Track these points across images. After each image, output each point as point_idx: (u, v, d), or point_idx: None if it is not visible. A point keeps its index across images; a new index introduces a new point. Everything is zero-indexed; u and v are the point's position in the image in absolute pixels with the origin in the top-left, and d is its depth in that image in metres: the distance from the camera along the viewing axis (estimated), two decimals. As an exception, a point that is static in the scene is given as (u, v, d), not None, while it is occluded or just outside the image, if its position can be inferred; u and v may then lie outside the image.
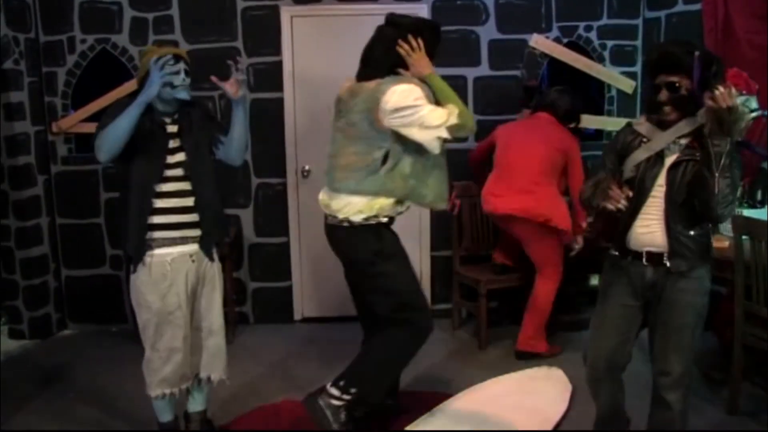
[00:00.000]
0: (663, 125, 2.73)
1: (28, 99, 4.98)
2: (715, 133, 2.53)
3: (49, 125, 5.17)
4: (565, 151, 4.39)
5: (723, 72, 2.62)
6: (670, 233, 2.72)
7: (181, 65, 3.12)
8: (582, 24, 5.25)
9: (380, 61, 3.18)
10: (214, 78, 3.18)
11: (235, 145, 3.23)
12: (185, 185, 3.12)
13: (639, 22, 5.27)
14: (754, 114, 2.53)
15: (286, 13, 5.14)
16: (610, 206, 2.64)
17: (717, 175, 2.54)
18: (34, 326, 5.12)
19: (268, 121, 5.16)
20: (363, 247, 3.19)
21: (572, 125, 4.57)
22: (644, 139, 2.78)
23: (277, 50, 5.16)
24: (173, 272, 3.08)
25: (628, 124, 2.90)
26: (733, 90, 2.47)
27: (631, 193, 2.67)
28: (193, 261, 3.15)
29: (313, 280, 5.43)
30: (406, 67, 3.15)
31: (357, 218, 3.15)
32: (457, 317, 5.20)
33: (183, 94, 3.12)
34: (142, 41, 5.10)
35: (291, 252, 5.39)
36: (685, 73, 2.62)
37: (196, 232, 3.15)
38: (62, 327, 5.37)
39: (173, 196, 3.10)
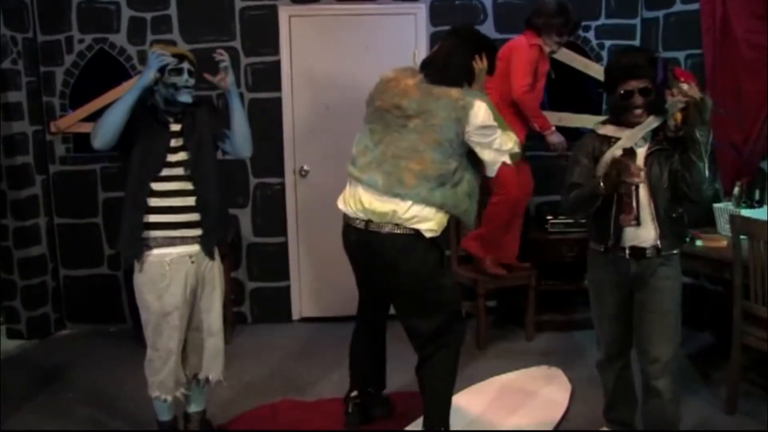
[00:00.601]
0: (630, 125, 2.90)
1: (26, 99, 4.98)
2: (697, 123, 2.76)
3: (47, 125, 5.17)
4: None
5: (672, 73, 2.92)
6: (659, 218, 2.90)
7: (185, 65, 3.10)
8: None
9: (461, 70, 3.12)
10: (206, 75, 3.18)
11: (238, 135, 3.21)
12: (186, 185, 3.09)
13: (637, 21, 5.28)
14: None
15: (284, 13, 5.14)
16: (635, 180, 2.79)
17: (706, 160, 2.77)
18: (33, 326, 5.11)
19: (266, 121, 5.15)
20: (429, 260, 3.06)
21: None
22: (612, 140, 2.93)
23: (275, 50, 5.16)
24: (172, 273, 3.06)
25: (591, 132, 3.06)
26: (693, 84, 2.77)
27: (645, 168, 2.86)
28: (192, 262, 3.12)
29: (312, 280, 5.43)
30: (472, 81, 3.15)
31: (427, 234, 3.01)
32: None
33: (185, 97, 3.10)
34: (140, 41, 5.10)
35: (289, 252, 5.39)
36: (651, 77, 2.85)
37: (197, 232, 3.12)
38: (60, 327, 5.36)
39: (173, 195, 3.07)
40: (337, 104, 5.10)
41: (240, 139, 3.22)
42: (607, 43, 5.27)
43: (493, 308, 5.23)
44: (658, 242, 2.90)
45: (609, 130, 2.97)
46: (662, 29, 5.05)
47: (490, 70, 3.23)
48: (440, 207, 3.00)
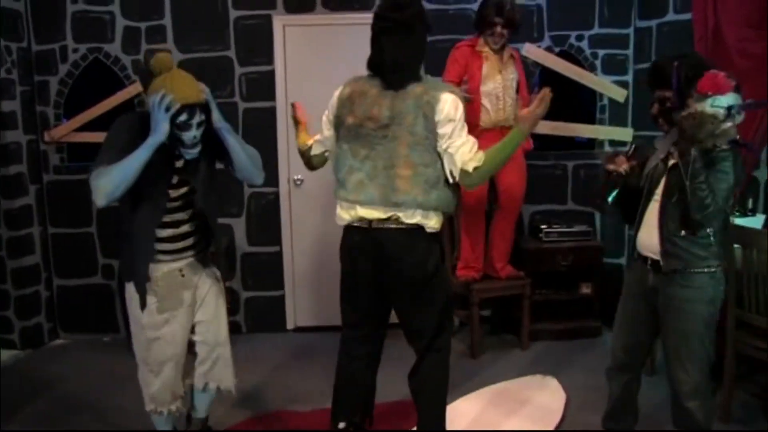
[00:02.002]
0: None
1: (20, 108, 4.98)
2: (681, 142, 2.73)
3: (41, 134, 5.17)
4: None
5: (699, 76, 2.71)
6: (663, 233, 2.87)
7: (196, 118, 2.83)
8: (574, 33, 5.28)
9: (411, 65, 3.01)
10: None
11: (242, 170, 3.07)
12: (183, 215, 3.00)
13: (630, 31, 5.30)
14: (726, 111, 2.64)
15: (278, 23, 5.16)
16: (611, 167, 2.90)
17: (688, 182, 2.71)
18: (26, 336, 5.09)
19: (260, 131, 5.16)
20: (433, 253, 3.05)
21: None
22: (654, 149, 2.97)
23: (269, 59, 5.17)
24: (162, 288, 2.99)
25: (650, 140, 3.10)
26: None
27: (634, 163, 2.95)
28: (183, 275, 3.05)
29: (306, 290, 5.43)
30: (422, 57, 3.06)
31: (429, 228, 3.00)
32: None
33: (191, 154, 2.91)
34: (135, 50, 5.11)
35: (283, 261, 5.38)
36: (664, 85, 2.81)
37: (189, 254, 3.06)
38: (54, 337, 5.35)
39: (171, 226, 2.99)
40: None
41: (245, 173, 3.09)
42: (601, 52, 5.29)
43: (487, 317, 5.23)
44: (660, 259, 2.88)
45: (658, 139, 3.01)
46: (655, 38, 5.07)
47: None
48: (436, 209, 2.98)
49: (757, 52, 4.20)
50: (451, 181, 2.99)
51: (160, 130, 2.71)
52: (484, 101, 4.57)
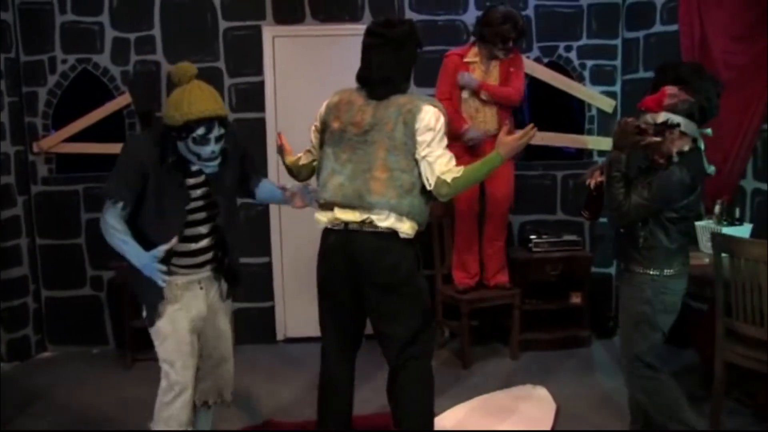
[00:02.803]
0: None
1: (8, 119, 4.95)
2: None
3: (29, 145, 5.14)
4: None
5: (656, 90, 3.06)
6: (615, 231, 3.25)
7: (214, 132, 2.73)
8: (562, 44, 5.32)
9: (397, 78, 3.08)
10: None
11: (264, 201, 3.39)
12: (203, 229, 2.93)
13: (618, 42, 5.34)
14: (656, 126, 2.98)
15: (268, 34, 5.16)
16: (587, 179, 3.28)
17: (605, 183, 3.11)
18: (13, 348, 5.04)
19: (249, 141, 5.11)
20: (407, 257, 3.03)
21: None
22: None
23: (258, 70, 5.18)
24: (183, 296, 2.92)
25: None
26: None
27: (599, 179, 3.22)
28: (201, 288, 2.99)
29: (296, 300, 5.41)
30: (409, 75, 3.15)
31: (404, 235, 3.01)
32: (439, 336, 5.19)
33: (211, 168, 2.82)
34: (124, 61, 5.10)
35: (273, 272, 5.37)
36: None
37: (207, 267, 3.00)
38: (41, 349, 5.30)
39: (189, 241, 2.90)
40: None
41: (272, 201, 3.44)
42: (589, 63, 5.33)
43: (477, 327, 5.22)
44: (614, 256, 3.29)
45: None
46: (643, 49, 5.12)
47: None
48: (408, 215, 2.99)
49: (740, 64, 4.25)
50: (428, 187, 3.02)
51: (145, 268, 2.72)
52: (464, 114, 4.66)
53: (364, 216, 2.98)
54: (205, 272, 2.99)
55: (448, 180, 2.95)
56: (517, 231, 5.45)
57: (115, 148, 5.07)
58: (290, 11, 5.16)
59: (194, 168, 2.84)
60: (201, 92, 2.72)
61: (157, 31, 5.12)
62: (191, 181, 2.86)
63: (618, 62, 5.35)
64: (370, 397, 3.98)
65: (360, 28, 5.12)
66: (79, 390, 4.52)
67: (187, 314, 2.93)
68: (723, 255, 3.55)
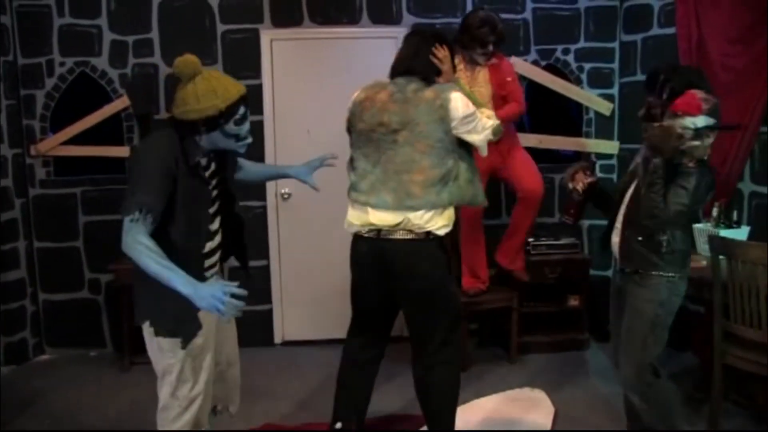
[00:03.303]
0: None
1: (6, 122, 4.95)
2: (647, 151, 2.97)
3: (27, 148, 5.14)
4: None
5: (679, 94, 2.92)
6: (623, 237, 3.08)
7: (246, 110, 2.66)
8: (560, 47, 5.32)
9: (428, 66, 3.20)
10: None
11: (255, 178, 3.25)
12: (216, 225, 2.77)
13: (616, 45, 5.35)
14: (694, 131, 2.84)
15: (266, 37, 5.17)
16: (570, 185, 3.15)
17: (644, 188, 2.94)
18: (10, 351, 5.03)
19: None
20: (440, 262, 3.09)
21: None
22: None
23: (257, 73, 5.18)
24: (200, 312, 2.59)
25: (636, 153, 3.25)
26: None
27: (593, 179, 3.18)
28: None
29: (294, 304, 5.41)
30: (439, 74, 3.24)
31: (441, 231, 3.05)
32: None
33: (243, 148, 2.72)
34: (122, 64, 5.10)
35: (271, 275, 5.36)
36: (656, 93, 2.96)
37: (217, 268, 2.87)
38: (39, 352, 5.29)
39: (207, 239, 2.74)
40: (318, 128, 5.11)
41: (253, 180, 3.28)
42: (587, 66, 5.33)
43: (475, 330, 5.22)
44: (619, 260, 3.09)
45: None
46: (640, 52, 5.12)
47: (452, 56, 3.32)
48: (450, 204, 3.06)
49: (738, 67, 4.26)
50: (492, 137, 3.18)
51: (208, 300, 2.30)
52: None
53: (401, 218, 3.02)
54: (214, 272, 2.82)
55: (491, 136, 3.16)
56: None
57: (113, 151, 5.17)
58: (288, 14, 5.17)
59: (204, 162, 2.67)
60: (222, 76, 2.66)
61: (155, 34, 5.12)
62: (207, 175, 2.72)
63: (615, 65, 5.36)
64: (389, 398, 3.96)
65: (358, 31, 5.22)
66: (76, 393, 4.51)
67: (203, 331, 2.68)
68: (721, 257, 3.55)
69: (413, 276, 3.05)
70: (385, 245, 3.06)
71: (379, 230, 3.07)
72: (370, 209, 3.08)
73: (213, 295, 2.28)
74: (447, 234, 3.11)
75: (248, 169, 3.20)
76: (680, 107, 2.89)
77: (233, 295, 2.30)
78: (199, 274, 2.57)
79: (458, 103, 3.05)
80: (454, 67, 3.32)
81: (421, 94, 3.07)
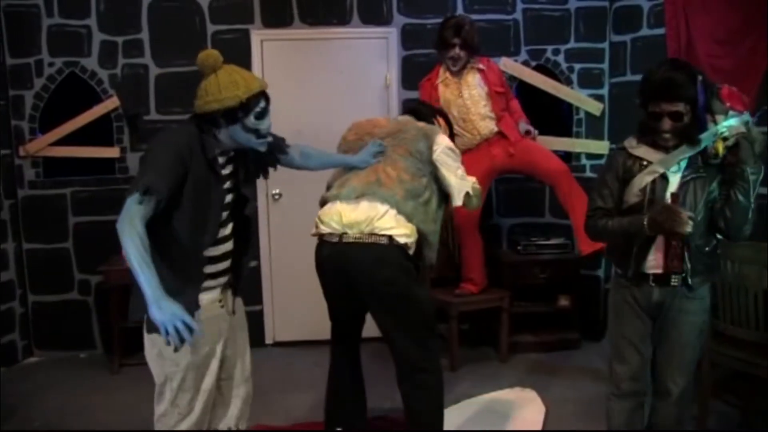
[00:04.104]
0: (662, 147, 2.74)
1: (-6, 123, 4.93)
2: (748, 159, 2.60)
3: (16, 149, 5.11)
4: None
5: (717, 93, 2.69)
6: (690, 251, 2.72)
7: (268, 105, 2.60)
8: (550, 47, 5.34)
9: (430, 120, 3.44)
10: None
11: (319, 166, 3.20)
12: (227, 230, 2.64)
13: (605, 45, 5.37)
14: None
15: (256, 37, 5.16)
16: (686, 230, 2.58)
17: (752, 201, 2.64)
18: (-1, 354, 5.02)
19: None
20: (404, 268, 3.02)
21: None
22: (644, 162, 2.76)
23: (247, 74, 5.16)
24: (205, 320, 2.52)
25: (622, 149, 2.86)
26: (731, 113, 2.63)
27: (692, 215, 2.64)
28: (222, 306, 2.68)
29: (285, 304, 5.40)
30: None
31: (402, 239, 3.00)
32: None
33: (264, 146, 2.63)
34: (112, 65, 5.09)
35: (262, 276, 5.35)
36: (687, 100, 2.61)
37: (228, 275, 2.71)
38: (28, 354, 5.26)
39: (218, 243, 2.60)
40: (309, 128, 5.10)
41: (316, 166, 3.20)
42: (577, 66, 5.35)
43: (466, 330, 5.23)
44: (689, 278, 2.74)
45: (641, 151, 2.79)
46: (630, 53, 5.14)
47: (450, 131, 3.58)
48: (410, 218, 3.03)
49: (726, 67, 4.28)
50: (455, 203, 3.18)
51: (163, 313, 2.17)
52: (455, 128, 4.61)
53: (363, 215, 3.00)
54: (222, 281, 2.67)
55: (470, 192, 3.17)
56: (506, 234, 5.46)
57: (103, 152, 5.16)
58: (278, 15, 5.16)
59: (222, 160, 2.58)
60: (244, 71, 2.61)
61: (145, 35, 5.10)
62: (224, 171, 2.60)
63: (605, 65, 5.37)
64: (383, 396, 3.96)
65: (348, 32, 5.22)
66: (66, 395, 4.49)
67: (209, 338, 2.58)
68: (710, 257, 3.57)
69: (375, 283, 3.01)
70: (346, 249, 3.02)
71: (341, 234, 3.03)
72: (338, 203, 3.10)
73: (173, 314, 2.17)
74: (414, 245, 3.07)
75: (312, 156, 3.13)
76: (732, 100, 2.67)
77: (187, 327, 2.18)
78: (195, 277, 2.51)
79: (446, 140, 3.23)
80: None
81: (414, 122, 3.30)
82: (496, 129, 4.67)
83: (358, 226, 3.00)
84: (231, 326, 2.75)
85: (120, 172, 5.18)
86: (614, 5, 5.28)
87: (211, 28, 5.13)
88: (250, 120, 2.51)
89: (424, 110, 3.52)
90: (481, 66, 4.69)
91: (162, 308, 2.18)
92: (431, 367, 3.13)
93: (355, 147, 3.25)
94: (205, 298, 2.58)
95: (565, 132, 5.42)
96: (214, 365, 2.65)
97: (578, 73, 5.36)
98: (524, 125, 4.75)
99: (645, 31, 5.00)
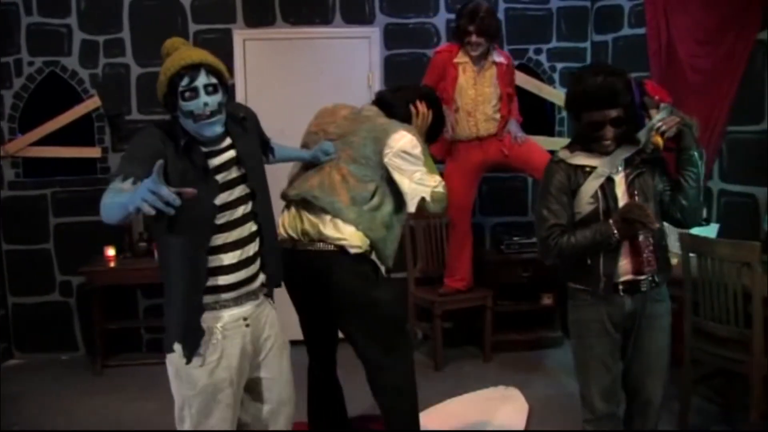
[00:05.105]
0: (600, 152, 2.65)
1: (-27, 123, 4.88)
2: (692, 145, 2.62)
3: (-5, 149, 5.07)
4: None
5: (644, 90, 2.74)
6: (656, 248, 2.68)
7: (201, 79, 2.27)
8: (532, 47, 5.36)
9: (399, 107, 3.14)
10: None
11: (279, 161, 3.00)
12: (243, 230, 2.40)
13: (587, 45, 5.40)
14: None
15: (238, 37, 5.14)
16: (656, 226, 2.54)
17: (702, 183, 2.64)
18: (-21, 356, 4.97)
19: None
20: (359, 273, 2.96)
21: None
22: (587, 169, 2.66)
23: (229, 73, 5.11)
24: (225, 341, 2.35)
25: (559, 161, 2.72)
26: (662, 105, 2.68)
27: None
28: (247, 325, 2.43)
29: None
30: (409, 122, 3.13)
31: (353, 250, 2.91)
32: (412, 338, 5.19)
33: (209, 130, 2.29)
34: (93, 64, 5.05)
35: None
36: (623, 104, 2.55)
37: (255, 285, 2.47)
38: (8, 356, 5.21)
39: (230, 248, 2.36)
40: (291, 128, 5.06)
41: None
42: (559, 65, 5.38)
43: (449, 329, 5.24)
44: (655, 276, 2.68)
45: (581, 158, 2.67)
46: (611, 52, 5.18)
47: (431, 137, 3.24)
48: (355, 224, 2.92)
49: (706, 67, 4.32)
50: (410, 210, 3.02)
51: (134, 200, 1.82)
52: (458, 108, 4.58)
53: (311, 222, 2.95)
54: (249, 305, 2.44)
55: (427, 198, 2.95)
56: (489, 233, 5.48)
57: (84, 152, 5.12)
58: (261, 14, 5.15)
59: (217, 146, 2.37)
60: (183, 49, 2.38)
61: (126, 34, 5.07)
62: (216, 161, 2.36)
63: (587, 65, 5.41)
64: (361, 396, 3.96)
65: (331, 31, 5.21)
66: (47, 397, 4.45)
67: (228, 361, 2.37)
68: (691, 255, 3.60)
69: (328, 286, 2.93)
70: (299, 257, 2.96)
71: (295, 242, 2.98)
72: (292, 208, 3.04)
73: (139, 191, 1.81)
74: (370, 248, 2.97)
75: (279, 152, 3.01)
76: (658, 93, 2.76)
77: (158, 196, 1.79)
78: (198, 282, 2.30)
79: (404, 139, 2.93)
80: (429, 137, 3.22)
81: (374, 118, 3.06)
82: (494, 131, 4.63)
83: (307, 234, 2.96)
84: (267, 345, 2.54)
85: (101, 173, 5.14)
86: (596, 5, 5.31)
87: (193, 27, 5.10)
88: (180, 103, 2.27)
89: (396, 101, 3.15)
90: (502, 59, 4.60)
91: (132, 198, 1.83)
92: (398, 367, 3.07)
93: (314, 140, 3.11)
94: (226, 314, 2.37)
95: (548, 131, 5.45)
96: (237, 389, 2.42)
97: (560, 72, 5.39)
98: (513, 128, 4.68)
99: (626, 31, 5.04)
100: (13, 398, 4.44)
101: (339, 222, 2.91)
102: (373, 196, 2.95)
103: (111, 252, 4.90)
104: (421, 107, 3.16)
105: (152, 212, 1.79)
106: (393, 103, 3.15)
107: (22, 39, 4.99)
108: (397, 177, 2.95)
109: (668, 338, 2.78)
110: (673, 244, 4.18)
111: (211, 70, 2.31)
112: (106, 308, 4.98)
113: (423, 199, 2.95)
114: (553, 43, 5.38)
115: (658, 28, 4.61)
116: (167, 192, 1.79)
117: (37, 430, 3.98)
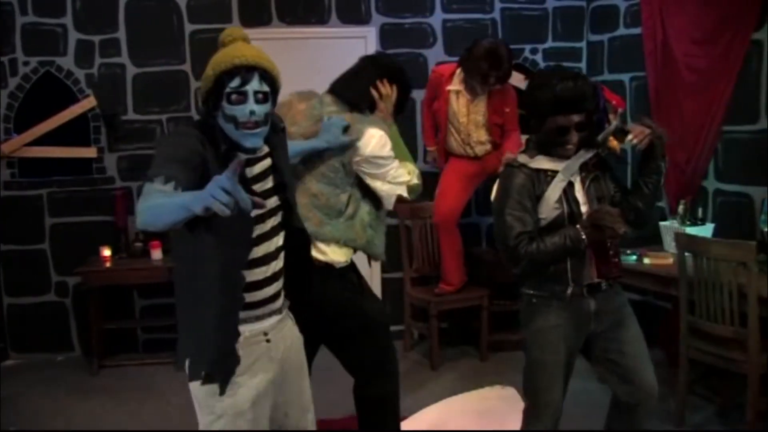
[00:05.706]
0: (560, 156, 2.64)
1: (-32, 123, 4.86)
2: (660, 156, 2.65)
3: (-10, 149, 5.05)
4: None
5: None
6: (617, 252, 2.72)
7: (253, 84, 2.06)
8: (528, 47, 5.37)
9: (358, 100, 2.96)
10: None
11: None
12: (271, 245, 2.20)
13: (583, 45, 5.41)
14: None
15: (234, 36, 5.13)
16: (623, 228, 2.48)
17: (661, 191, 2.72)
18: (-26, 357, 4.95)
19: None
20: (345, 286, 2.91)
21: None
22: (549, 173, 2.63)
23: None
24: (245, 358, 2.14)
25: (520, 166, 2.66)
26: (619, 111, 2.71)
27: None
28: (268, 341, 2.22)
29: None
30: (374, 108, 2.98)
31: (335, 264, 2.85)
32: (408, 338, 5.19)
33: (251, 141, 2.07)
34: (88, 64, 5.04)
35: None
36: (588, 108, 2.55)
37: (279, 302, 2.27)
38: (4, 357, 5.19)
39: (259, 264, 2.16)
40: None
41: None
42: (554, 65, 5.37)
43: (446, 329, 5.24)
44: (608, 281, 2.70)
45: (543, 162, 2.64)
46: (607, 52, 5.19)
47: (399, 108, 3.06)
48: (336, 241, 2.84)
49: (701, 67, 4.32)
50: (388, 207, 2.97)
51: (200, 200, 1.59)
52: (451, 129, 4.66)
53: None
54: (271, 319, 2.24)
55: (404, 194, 2.92)
56: (485, 232, 5.48)
57: (79, 152, 5.10)
58: (257, 14, 5.14)
59: (256, 154, 2.17)
60: (243, 45, 2.15)
61: (122, 34, 5.06)
62: (255, 170, 2.17)
63: (583, 65, 5.41)
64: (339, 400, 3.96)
65: (327, 31, 5.21)
66: (44, 398, 4.44)
67: (250, 380, 2.17)
68: (687, 254, 3.61)
69: (303, 307, 2.57)
70: None
71: None
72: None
73: (210, 189, 1.58)
74: (349, 257, 2.92)
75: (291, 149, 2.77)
76: (615, 99, 2.82)
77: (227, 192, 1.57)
78: (234, 297, 2.10)
79: (372, 140, 2.80)
80: (398, 110, 3.06)
81: (337, 116, 2.87)
82: (490, 148, 4.67)
83: None
84: (289, 365, 2.31)
85: (97, 173, 5.14)
86: (591, 5, 5.32)
87: (189, 27, 5.10)
88: (224, 105, 2.05)
89: (351, 93, 2.97)
90: (498, 86, 4.51)
91: (202, 196, 1.60)
92: (382, 378, 3.03)
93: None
94: (246, 330, 2.15)
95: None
96: (266, 412, 2.24)
97: (556, 72, 5.39)
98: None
99: (622, 31, 5.05)
100: (10, 399, 4.42)
101: (319, 244, 2.81)
102: (347, 206, 2.87)
103: (107, 252, 4.89)
104: (383, 88, 2.97)
105: (227, 212, 1.57)
106: (353, 95, 2.96)
107: (17, 39, 4.98)
108: (370, 182, 2.88)
109: (637, 323, 2.79)
110: (669, 244, 4.20)
111: (266, 76, 2.10)
112: (103, 309, 4.97)
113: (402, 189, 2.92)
114: (549, 43, 5.39)
115: (653, 27, 4.62)
116: (246, 195, 1.60)
117: (35, 430, 3.97)
